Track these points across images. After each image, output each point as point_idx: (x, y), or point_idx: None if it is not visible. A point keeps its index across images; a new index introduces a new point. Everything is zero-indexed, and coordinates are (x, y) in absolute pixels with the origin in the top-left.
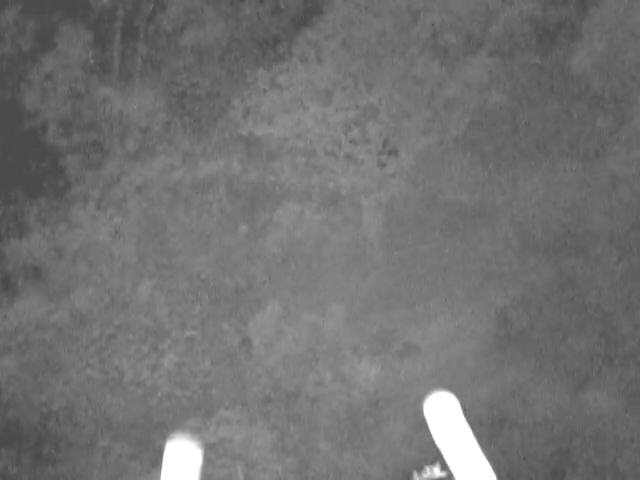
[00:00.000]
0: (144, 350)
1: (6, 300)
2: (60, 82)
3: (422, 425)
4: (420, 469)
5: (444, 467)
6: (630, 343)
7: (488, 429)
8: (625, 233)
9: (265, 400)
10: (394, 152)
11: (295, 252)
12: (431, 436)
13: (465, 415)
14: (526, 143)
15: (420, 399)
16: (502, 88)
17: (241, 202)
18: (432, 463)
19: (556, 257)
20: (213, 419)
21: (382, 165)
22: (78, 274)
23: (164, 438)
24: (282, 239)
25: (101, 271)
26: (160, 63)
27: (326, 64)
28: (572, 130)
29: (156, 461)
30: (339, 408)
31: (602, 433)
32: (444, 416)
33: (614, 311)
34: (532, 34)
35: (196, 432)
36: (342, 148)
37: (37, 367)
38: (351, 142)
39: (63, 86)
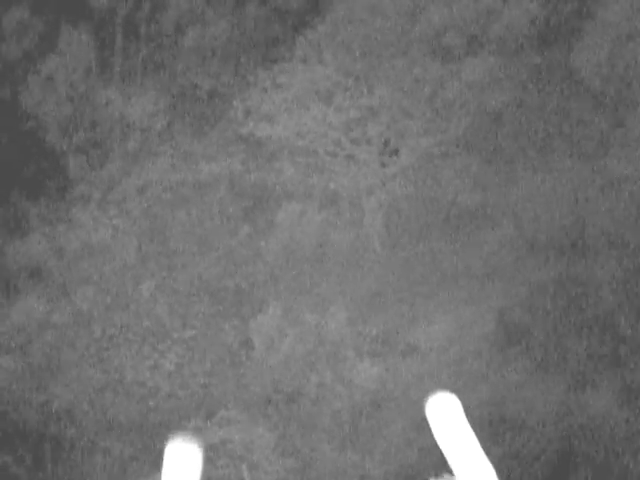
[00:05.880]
0: (145, 350)
1: (7, 300)
2: (61, 83)
3: (424, 426)
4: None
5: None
6: (630, 343)
7: (490, 429)
8: (625, 233)
9: (266, 401)
10: (395, 152)
11: (296, 253)
12: (433, 437)
13: (467, 415)
14: (527, 143)
15: (422, 400)
16: (503, 88)
17: (242, 202)
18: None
19: (556, 257)
20: (214, 420)
21: (383, 165)
22: (79, 274)
23: (165, 439)
24: (283, 240)
25: (102, 271)
26: (161, 64)
27: (327, 64)
28: (573, 130)
29: (157, 462)
30: (340, 409)
31: (602, 432)
32: (446, 417)
33: (614, 311)
34: (533, 35)
35: (197, 433)
36: (343, 148)
37: (38, 367)
38: (352, 142)
39: (64, 87)
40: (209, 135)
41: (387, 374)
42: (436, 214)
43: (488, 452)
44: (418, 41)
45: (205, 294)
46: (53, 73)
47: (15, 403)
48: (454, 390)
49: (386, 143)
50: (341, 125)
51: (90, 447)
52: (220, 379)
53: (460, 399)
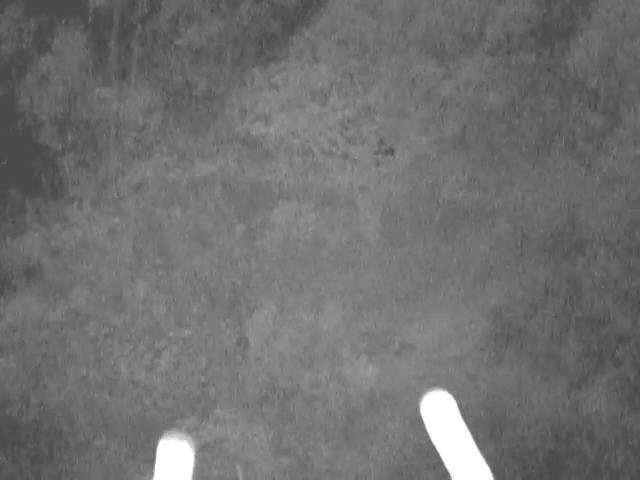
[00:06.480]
0: (140, 350)
1: (2, 299)
2: (55, 82)
3: (419, 424)
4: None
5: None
6: (628, 343)
7: (485, 428)
8: (623, 232)
9: (262, 400)
10: (391, 151)
11: (292, 251)
12: (428, 435)
13: (462, 414)
14: (523, 142)
15: (417, 398)
16: (499, 88)
17: (238, 202)
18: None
19: (554, 256)
20: (210, 418)
21: (378, 164)
22: (74, 274)
23: (160, 437)
24: (279, 238)
25: (97, 271)
26: (156, 62)
27: (322, 63)
28: (569, 129)
29: (152, 461)
30: (336, 408)
31: (600, 433)
32: (441, 415)
33: (612, 311)
34: (529, 33)
35: (192, 432)
36: (339, 147)
37: (33, 367)
38: (348, 141)
39: (58, 86)
40: (204, 134)
41: (383, 373)
42: (432, 213)
43: (484, 451)
44: (414, 40)
45: (201, 293)
46: (48, 72)
47: (10, 402)
48: (450, 389)
49: (382, 142)
50: (336, 124)
51: (86, 446)
52: (216, 378)
53: (456, 398)
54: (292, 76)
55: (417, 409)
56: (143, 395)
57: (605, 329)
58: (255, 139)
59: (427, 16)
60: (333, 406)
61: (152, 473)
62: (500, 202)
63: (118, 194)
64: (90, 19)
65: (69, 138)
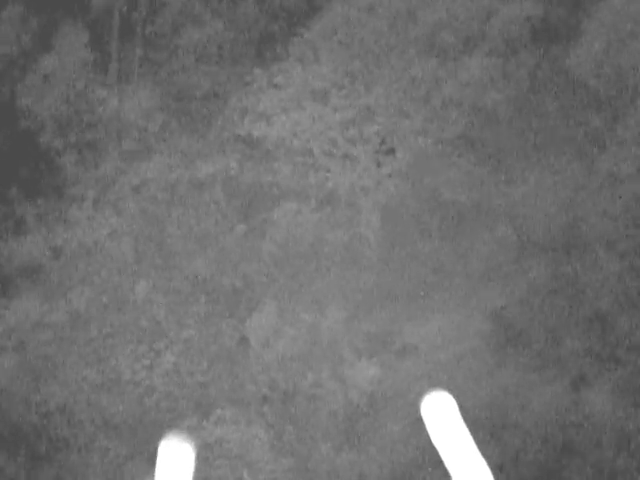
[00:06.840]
0: (141, 350)
1: (3, 300)
2: (57, 82)
3: (419, 425)
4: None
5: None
6: (628, 343)
7: (486, 429)
8: (623, 233)
9: (262, 400)
10: (391, 152)
11: (292, 251)
12: (428, 436)
13: (463, 415)
14: (523, 142)
15: (418, 399)
16: (499, 88)
17: (238, 202)
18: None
19: (554, 257)
20: (210, 419)
21: (379, 164)
22: (75, 274)
23: (161, 438)
24: (279, 239)
25: (98, 271)
26: (157, 63)
27: (323, 64)
28: (569, 129)
29: (153, 461)
30: (337, 408)
31: (600, 432)
32: (441, 416)
33: (612, 311)
34: (529, 34)
35: (193, 432)
36: (339, 148)
37: (34, 367)
38: (348, 142)
39: (60, 86)
40: (205, 134)
41: (383, 373)
42: (432, 213)
43: (484, 451)
44: (414, 40)
45: (201, 293)
46: (49, 72)
47: (11, 403)
48: (450, 389)
49: (382, 142)
50: (337, 124)
51: (86, 446)
52: (216, 378)
53: (456, 398)
54: (293, 77)
55: (417, 410)
56: (144, 395)
57: (607, 330)
58: (256, 139)
59: (428, 17)
60: (334, 406)
61: (153, 473)
62: (501, 202)
63: (119, 194)
64: (91, 19)
65: (70, 138)
